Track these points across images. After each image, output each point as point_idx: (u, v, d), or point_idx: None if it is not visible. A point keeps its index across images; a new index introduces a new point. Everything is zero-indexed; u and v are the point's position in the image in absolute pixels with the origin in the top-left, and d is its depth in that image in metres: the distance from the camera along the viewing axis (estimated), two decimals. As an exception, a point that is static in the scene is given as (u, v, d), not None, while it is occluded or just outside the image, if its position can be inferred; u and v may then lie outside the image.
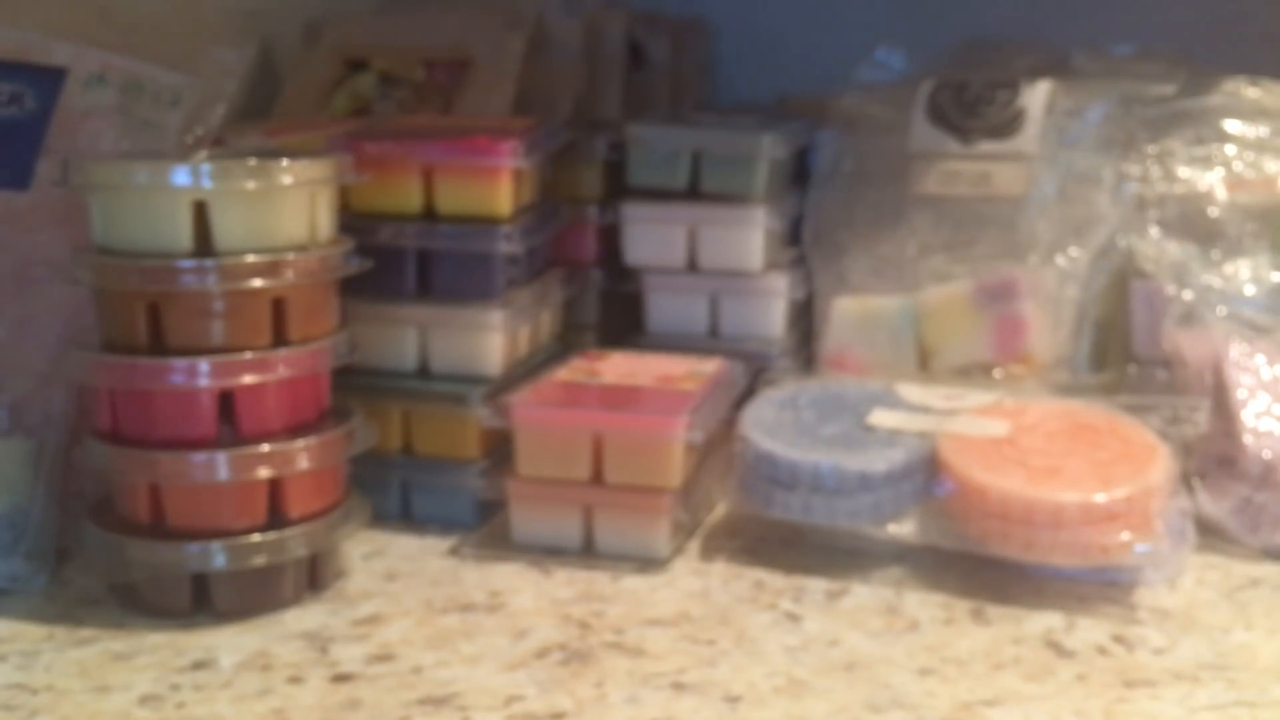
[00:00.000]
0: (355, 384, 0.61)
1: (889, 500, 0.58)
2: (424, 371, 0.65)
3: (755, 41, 1.03)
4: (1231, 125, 0.73)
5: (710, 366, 0.66)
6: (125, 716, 0.46)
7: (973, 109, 0.75)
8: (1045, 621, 0.53)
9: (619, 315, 0.76)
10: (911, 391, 0.64)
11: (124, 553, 0.53)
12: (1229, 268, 0.69)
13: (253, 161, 0.54)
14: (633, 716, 0.46)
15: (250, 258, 0.52)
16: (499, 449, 0.64)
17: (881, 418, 0.61)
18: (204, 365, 0.52)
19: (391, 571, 0.59)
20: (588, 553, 0.60)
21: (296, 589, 0.55)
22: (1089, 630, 0.53)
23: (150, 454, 0.53)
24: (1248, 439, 0.61)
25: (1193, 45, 0.81)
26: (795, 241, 0.77)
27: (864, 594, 0.56)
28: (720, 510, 0.65)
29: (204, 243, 0.52)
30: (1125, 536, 0.54)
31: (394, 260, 0.63)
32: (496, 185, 0.63)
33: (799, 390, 0.65)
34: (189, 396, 0.53)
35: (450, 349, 0.64)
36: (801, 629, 0.53)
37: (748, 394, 0.66)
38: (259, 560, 0.53)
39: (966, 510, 0.57)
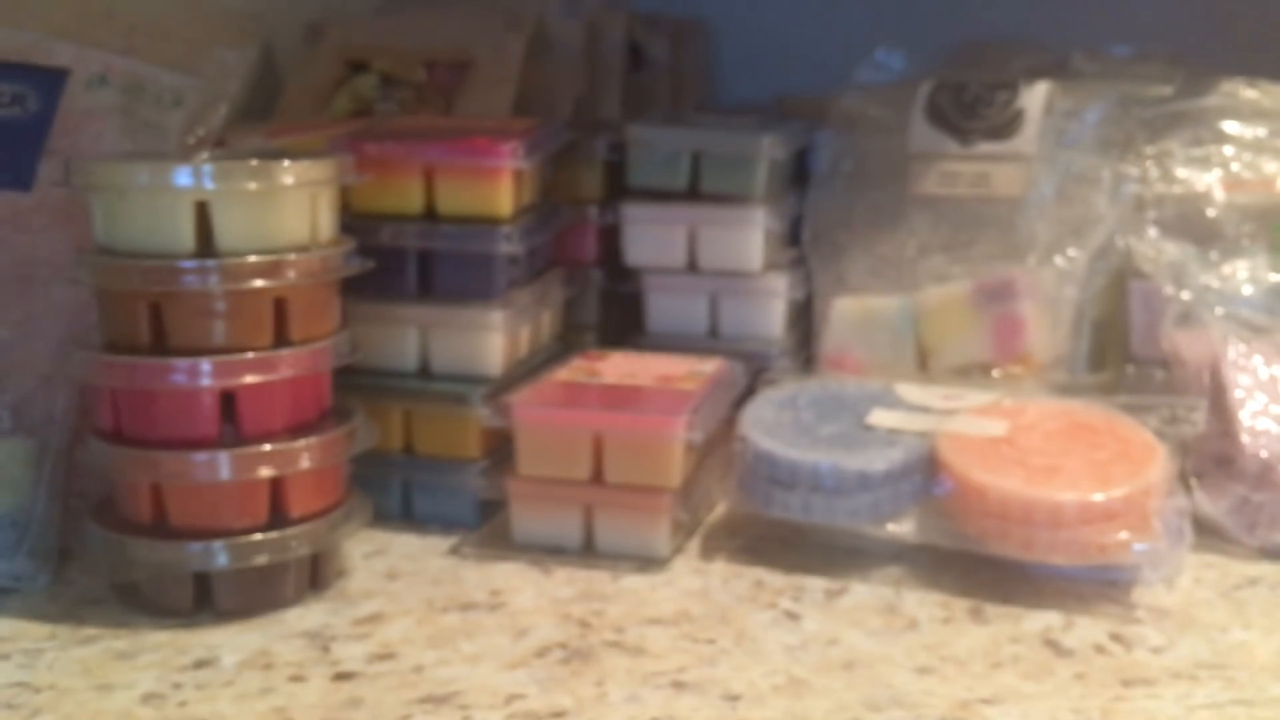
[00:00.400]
0: (356, 384, 0.61)
1: (888, 500, 0.58)
2: (425, 371, 0.65)
3: (755, 42, 1.03)
4: (1229, 126, 0.73)
5: (710, 366, 0.67)
6: (128, 715, 0.46)
7: (971, 110, 0.75)
8: (1043, 620, 0.54)
9: (619, 315, 0.77)
10: (910, 391, 0.64)
11: (126, 552, 0.54)
12: (1227, 268, 0.69)
13: (254, 162, 0.54)
14: (633, 715, 0.46)
15: (252, 258, 0.53)
16: (500, 449, 0.64)
17: (880, 417, 0.61)
18: (206, 365, 0.52)
19: (393, 571, 0.59)
20: (588, 552, 0.60)
21: (298, 588, 0.55)
22: (1087, 629, 0.53)
23: (152, 453, 0.53)
24: (1245, 439, 0.61)
25: (1190, 47, 0.81)
26: (795, 242, 0.78)
27: (863, 593, 0.56)
28: (720, 510, 0.66)
29: (206, 243, 0.52)
30: (1123, 536, 0.54)
31: (395, 260, 0.64)
32: (497, 186, 0.63)
33: (798, 390, 0.65)
34: (191, 396, 0.53)
35: (451, 349, 0.64)
36: (801, 628, 0.53)
37: (747, 394, 0.66)
38: (260, 559, 0.54)
39: (965, 510, 0.57)
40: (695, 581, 0.58)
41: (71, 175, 0.54)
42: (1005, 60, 0.84)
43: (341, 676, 0.49)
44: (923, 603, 0.55)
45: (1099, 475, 0.55)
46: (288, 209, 0.54)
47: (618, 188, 0.74)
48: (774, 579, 0.58)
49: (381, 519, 0.62)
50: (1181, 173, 0.72)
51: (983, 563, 0.57)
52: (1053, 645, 0.52)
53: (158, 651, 0.51)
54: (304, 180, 0.54)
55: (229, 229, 0.52)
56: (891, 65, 0.82)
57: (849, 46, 0.82)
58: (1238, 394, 0.63)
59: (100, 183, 0.53)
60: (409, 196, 0.64)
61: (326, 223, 0.56)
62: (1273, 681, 0.49)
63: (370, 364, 0.62)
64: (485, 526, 0.64)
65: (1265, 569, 0.59)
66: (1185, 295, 0.68)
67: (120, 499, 0.55)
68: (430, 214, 0.64)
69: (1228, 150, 0.72)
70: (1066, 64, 0.83)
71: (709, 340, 0.74)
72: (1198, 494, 0.61)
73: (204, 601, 0.54)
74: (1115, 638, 0.52)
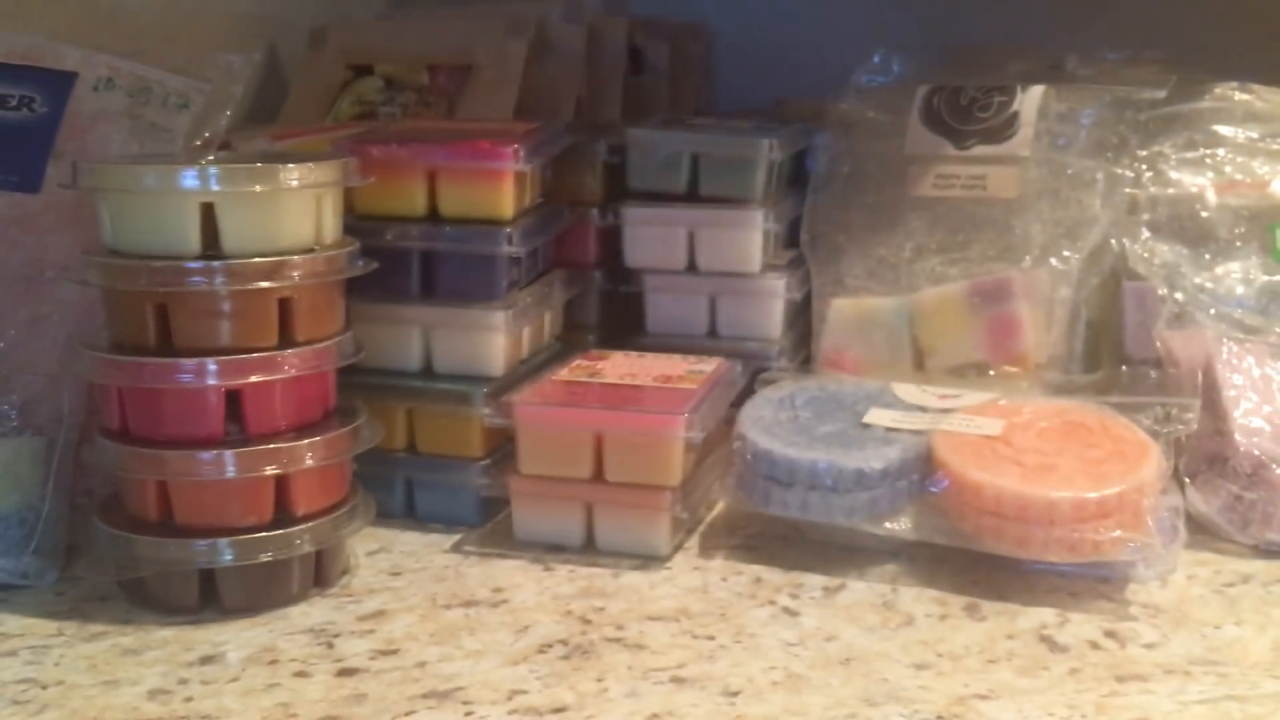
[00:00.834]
0: (360, 383, 0.62)
1: (885, 497, 0.58)
2: (428, 371, 0.65)
3: (754, 46, 1.04)
4: (1222, 129, 0.74)
5: (709, 366, 0.67)
6: (134, 710, 0.46)
7: (967, 113, 0.75)
8: (1038, 617, 0.54)
9: (619, 315, 0.77)
10: (907, 391, 0.64)
11: (132, 549, 0.54)
12: (1219, 269, 0.70)
13: (259, 165, 0.54)
14: (633, 710, 0.46)
15: (257, 259, 0.53)
16: (501, 447, 0.65)
17: (878, 416, 0.62)
18: (212, 365, 0.53)
19: (396, 568, 0.60)
20: (589, 549, 0.61)
21: (302, 585, 0.56)
22: (1081, 625, 0.53)
23: (159, 452, 0.54)
24: (1238, 437, 0.62)
25: (1183, 50, 0.82)
26: (793, 243, 0.78)
27: (860, 590, 0.57)
28: (719, 508, 0.66)
29: (211, 244, 0.53)
30: (1117, 533, 0.54)
31: (398, 262, 0.64)
32: (499, 188, 0.64)
33: (797, 389, 0.66)
34: (197, 395, 0.53)
35: (454, 349, 0.65)
36: (799, 624, 0.54)
37: (746, 393, 0.67)
38: (265, 556, 0.54)
39: (961, 507, 0.57)
40: (695, 578, 0.58)
41: (79, 177, 0.54)
42: (1001, 64, 0.84)
43: (345, 672, 0.49)
44: (919, 599, 0.56)
45: (1093, 473, 0.56)
46: (292, 211, 0.54)
47: (618, 190, 0.75)
48: (773, 576, 0.58)
49: (385, 517, 0.63)
50: (1175, 175, 0.73)
51: (979, 560, 0.57)
52: (1048, 641, 0.52)
53: (164, 648, 0.51)
54: (308, 182, 0.55)
55: (234, 230, 0.53)
56: (889, 69, 0.83)
57: (847, 50, 0.82)
58: (1230, 393, 0.63)
59: (107, 185, 0.54)
60: (412, 198, 0.64)
61: (331, 224, 0.57)
62: (1265, 677, 0.49)
63: (374, 364, 0.63)
64: (487, 524, 0.64)
65: (1258, 566, 0.59)
66: (1178, 296, 0.69)
67: (127, 497, 0.56)
68: (433, 216, 0.65)
69: (1220, 152, 0.73)
70: (1061, 67, 0.84)
71: (708, 340, 0.74)
72: (1191, 492, 0.62)
73: (209, 598, 0.54)
74: (1110, 634, 0.53)
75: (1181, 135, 0.74)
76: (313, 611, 0.55)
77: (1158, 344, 0.68)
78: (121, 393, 0.54)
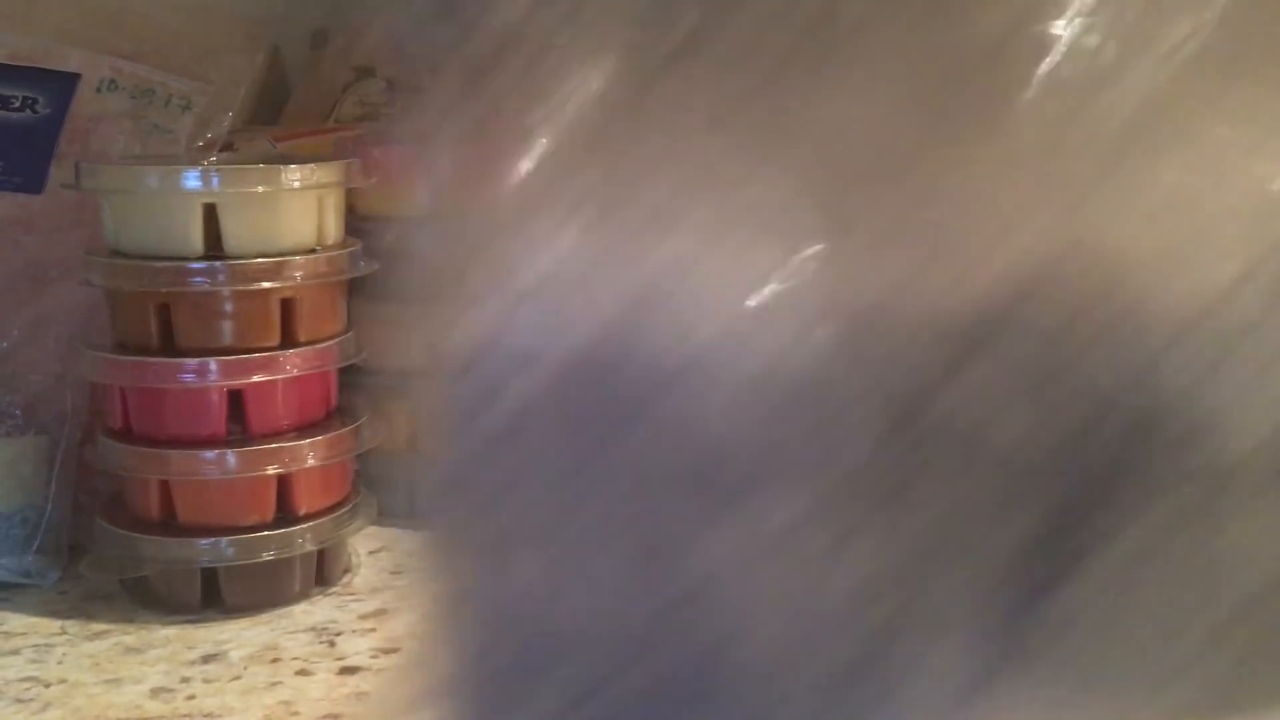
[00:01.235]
0: (362, 383, 0.62)
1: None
2: (430, 371, 0.65)
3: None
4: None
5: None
6: (136, 709, 0.47)
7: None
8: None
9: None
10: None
11: (135, 548, 0.54)
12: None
13: (262, 166, 0.55)
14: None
15: (259, 260, 0.53)
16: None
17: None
18: (214, 365, 0.53)
19: (398, 566, 0.60)
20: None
21: (304, 584, 0.56)
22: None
23: (161, 451, 0.54)
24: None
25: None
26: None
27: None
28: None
29: (214, 245, 0.53)
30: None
31: (400, 262, 0.64)
32: (500, 188, 0.64)
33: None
34: (199, 395, 0.54)
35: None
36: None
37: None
38: (268, 555, 0.54)
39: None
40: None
41: (82, 178, 0.55)
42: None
43: (347, 670, 0.50)
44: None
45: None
46: (295, 211, 0.55)
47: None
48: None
49: (387, 515, 0.63)
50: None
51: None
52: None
53: (166, 646, 0.52)
54: (311, 183, 0.55)
55: (237, 231, 0.53)
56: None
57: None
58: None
59: (110, 185, 0.54)
60: (414, 200, 0.64)
61: (333, 225, 0.57)
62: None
63: (376, 363, 0.63)
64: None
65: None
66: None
67: (130, 496, 0.56)
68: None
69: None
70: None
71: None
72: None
73: (212, 597, 0.55)
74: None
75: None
76: (315, 610, 0.55)
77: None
78: (124, 392, 0.55)
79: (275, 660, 0.50)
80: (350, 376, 0.60)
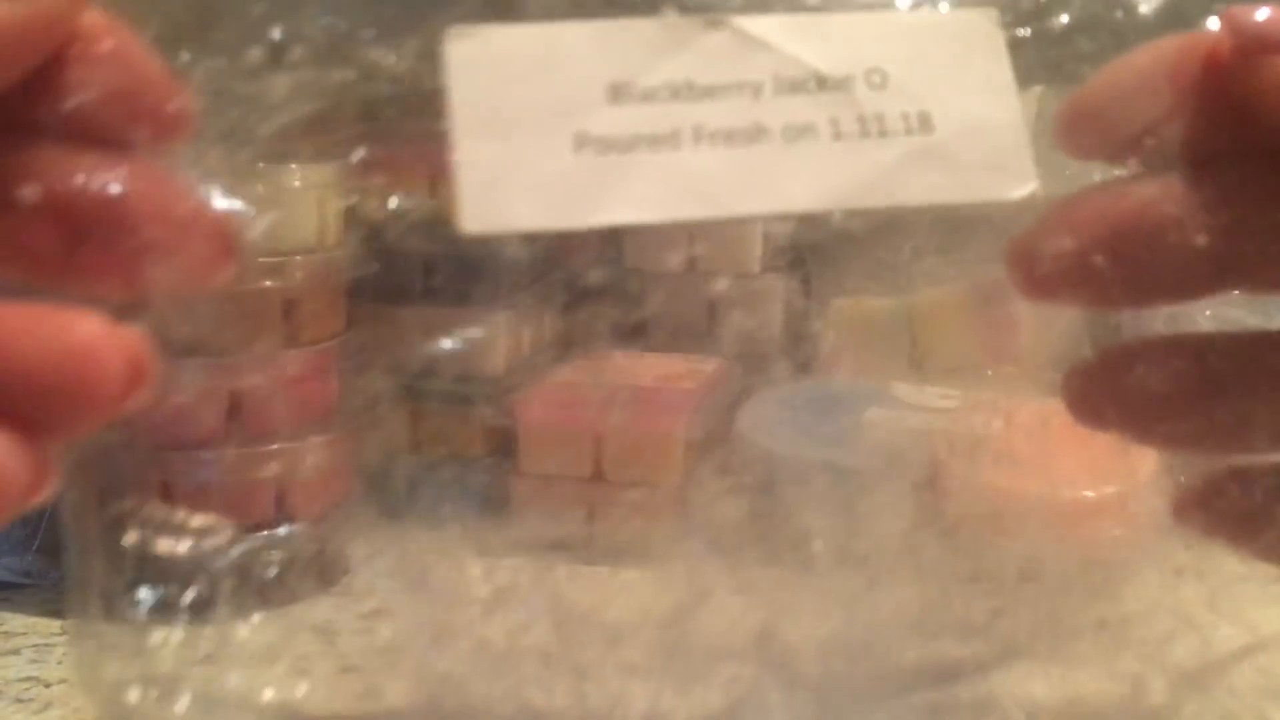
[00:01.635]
0: (362, 383, 0.62)
1: (884, 496, 0.59)
2: (430, 371, 0.66)
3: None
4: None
5: (709, 366, 0.67)
6: (136, 709, 0.47)
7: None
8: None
9: (620, 316, 0.77)
10: (907, 391, 0.65)
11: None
12: (1218, 269, 0.70)
13: (261, 165, 0.55)
14: (633, 710, 0.47)
15: (259, 259, 0.53)
16: (503, 447, 0.65)
17: (877, 416, 0.62)
18: (214, 365, 0.53)
19: (397, 567, 0.60)
20: (589, 549, 0.61)
21: (304, 584, 0.56)
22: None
23: (160, 452, 0.54)
24: (1237, 437, 0.62)
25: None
26: (793, 245, 0.78)
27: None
28: (719, 507, 0.66)
29: (214, 245, 0.53)
30: (1116, 532, 0.55)
31: (400, 262, 0.64)
32: (500, 188, 0.64)
33: (796, 390, 0.66)
34: (198, 395, 0.54)
35: (455, 349, 0.65)
36: (799, 623, 0.54)
37: (746, 393, 0.67)
38: (267, 556, 0.54)
39: (960, 507, 0.57)
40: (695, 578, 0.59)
41: (82, 178, 0.55)
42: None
43: (348, 669, 0.50)
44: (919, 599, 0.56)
45: (1093, 473, 0.56)
46: (296, 211, 0.55)
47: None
48: (772, 575, 0.59)
49: (386, 516, 0.63)
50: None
51: (978, 560, 0.58)
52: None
53: (166, 646, 0.52)
54: (311, 184, 0.55)
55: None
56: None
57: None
58: (1229, 393, 0.63)
59: (110, 186, 0.54)
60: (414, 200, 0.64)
61: (333, 225, 0.57)
62: (1262, 675, 0.49)
63: (375, 364, 0.63)
64: (488, 524, 0.65)
65: (1255, 565, 0.59)
66: (1177, 296, 0.69)
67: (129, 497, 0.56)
68: (436, 217, 0.65)
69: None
70: (1059, 66, 0.84)
71: (709, 340, 0.74)
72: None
73: (211, 598, 0.55)
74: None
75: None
76: (314, 610, 0.55)
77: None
78: (124, 393, 0.55)
79: (275, 660, 0.50)
80: (350, 377, 0.60)
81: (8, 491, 0.23)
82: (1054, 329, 0.73)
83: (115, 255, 0.25)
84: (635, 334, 0.76)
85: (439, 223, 0.66)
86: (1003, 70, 0.34)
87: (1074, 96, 0.33)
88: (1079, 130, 0.32)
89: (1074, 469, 0.57)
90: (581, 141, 0.29)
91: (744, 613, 0.53)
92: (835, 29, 0.31)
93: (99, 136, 0.25)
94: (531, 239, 0.67)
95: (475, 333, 0.65)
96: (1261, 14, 0.29)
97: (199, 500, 0.54)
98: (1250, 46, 0.29)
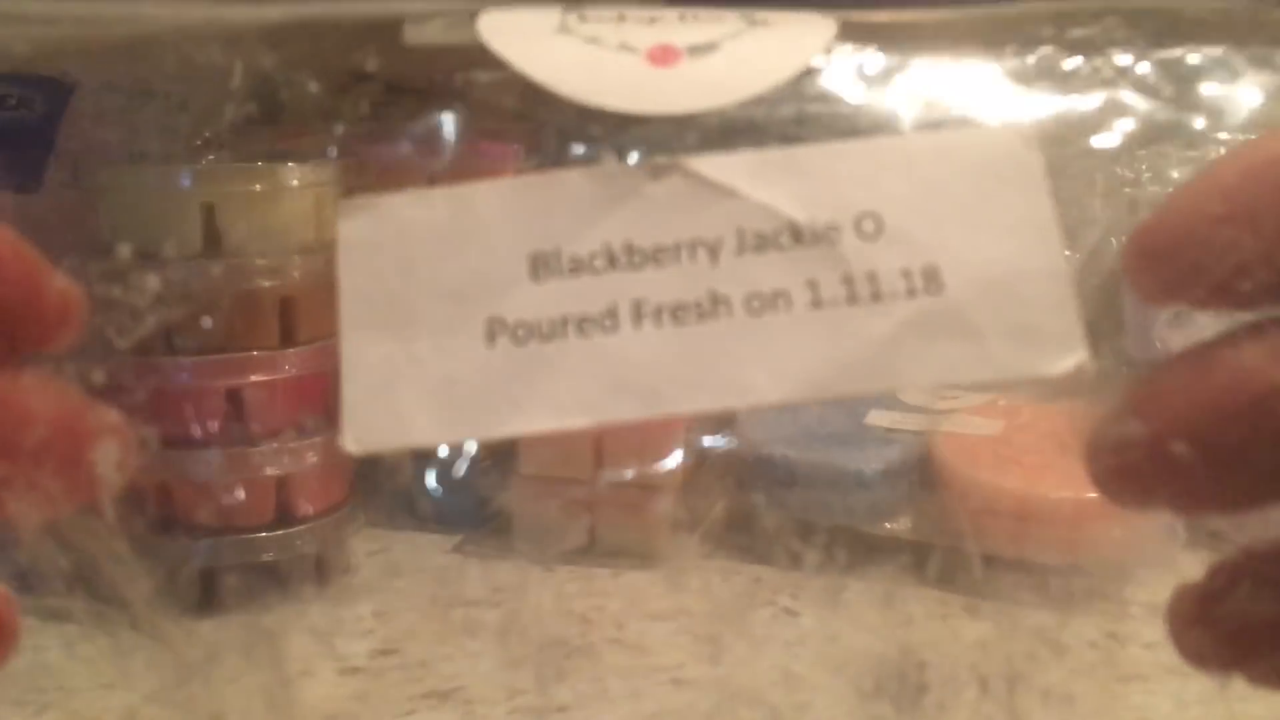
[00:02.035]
0: (360, 383, 0.62)
1: (885, 498, 0.59)
2: (428, 371, 0.66)
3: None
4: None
5: (710, 366, 0.67)
6: (134, 711, 0.47)
7: (968, 113, 0.75)
8: (1038, 617, 0.54)
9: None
10: (907, 391, 0.65)
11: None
12: (1220, 270, 0.70)
13: (260, 164, 0.55)
14: (632, 710, 0.47)
15: (258, 259, 0.53)
16: (502, 448, 0.65)
17: (878, 417, 0.62)
18: (212, 364, 0.53)
19: (397, 568, 0.60)
20: (589, 549, 0.61)
21: (303, 585, 0.56)
22: (1081, 626, 0.53)
23: (159, 451, 0.54)
24: (1238, 438, 0.62)
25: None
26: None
27: (861, 590, 0.57)
28: (719, 507, 0.66)
29: (213, 244, 0.53)
30: (1117, 533, 0.55)
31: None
32: (500, 188, 0.64)
33: (797, 390, 0.66)
34: (198, 395, 0.54)
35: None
36: (799, 624, 0.54)
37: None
38: (267, 557, 0.54)
39: (961, 507, 0.57)
40: (695, 578, 0.59)
41: (80, 177, 0.55)
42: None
43: (346, 671, 0.50)
44: (919, 600, 0.56)
45: (1093, 474, 0.56)
46: (293, 210, 0.55)
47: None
48: (772, 576, 0.59)
49: (386, 517, 0.63)
50: (1175, 174, 0.73)
51: (979, 560, 0.57)
52: (1048, 641, 0.52)
53: (165, 647, 0.52)
54: (309, 182, 0.55)
55: (235, 230, 0.53)
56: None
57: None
58: (1231, 394, 0.63)
59: (108, 184, 0.54)
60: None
61: (332, 224, 0.57)
62: (1264, 677, 0.49)
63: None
64: (488, 524, 0.64)
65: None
66: (1179, 296, 0.69)
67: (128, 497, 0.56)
68: (433, 216, 0.65)
69: (1221, 152, 0.73)
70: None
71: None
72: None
73: (210, 598, 0.55)
74: (1110, 635, 0.53)
75: (1183, 134, 0.74)
76: (314, 611, 0.55)
77: (1158, 344, 0.68)
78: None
79: (275, 661, 0.50)
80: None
81: None
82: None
83: None
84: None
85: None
86: (1038, 205, 0.26)
87: (1142, 227, 0.25)
88: (1151, 272, 0.25)
89: (1074, 469, 0.56)
90: (495, 330, 0.24)
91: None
92: (817, 164, 0.24)
93: None
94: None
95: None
96: None
97: (199, 500, 0.54)
98: None
